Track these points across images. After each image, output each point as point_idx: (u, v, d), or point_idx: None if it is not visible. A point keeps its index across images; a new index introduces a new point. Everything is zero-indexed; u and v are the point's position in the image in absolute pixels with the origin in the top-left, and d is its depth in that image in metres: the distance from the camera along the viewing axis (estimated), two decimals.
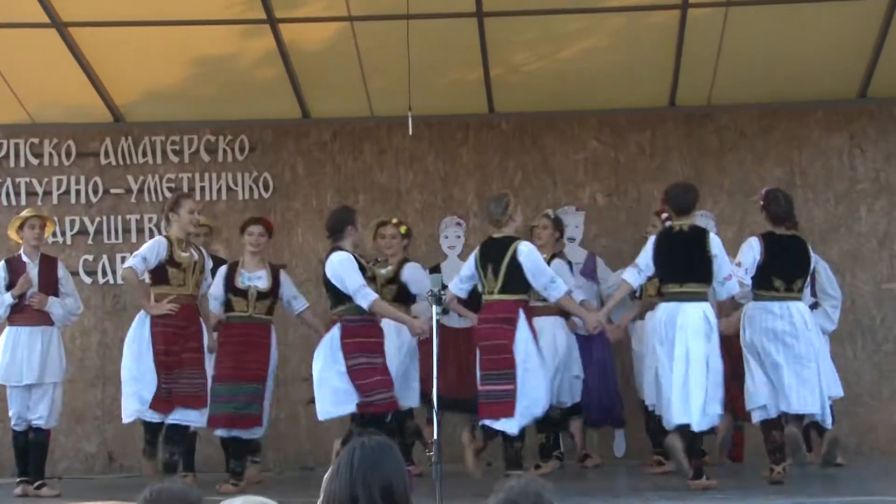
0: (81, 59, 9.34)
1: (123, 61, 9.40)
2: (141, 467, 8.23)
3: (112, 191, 10.14)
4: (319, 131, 10.24)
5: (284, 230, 10.03)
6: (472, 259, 8.00)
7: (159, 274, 7.89)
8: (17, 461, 8.41)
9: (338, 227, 7.92)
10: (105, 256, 10.05)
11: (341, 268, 7.73)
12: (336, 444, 8.15)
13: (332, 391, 7.70)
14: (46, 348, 8.36)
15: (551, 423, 8.70)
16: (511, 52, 9.53)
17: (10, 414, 8.37)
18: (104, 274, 10.03)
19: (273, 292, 8.41)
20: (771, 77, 9.69)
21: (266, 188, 10.16)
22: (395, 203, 10.09)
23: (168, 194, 9.88)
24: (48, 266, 8.52)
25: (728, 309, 8.26)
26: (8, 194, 10.11)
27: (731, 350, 7.90)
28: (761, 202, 8.02)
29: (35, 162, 10.17)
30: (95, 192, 10.13)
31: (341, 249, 7.83)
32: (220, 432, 8.33)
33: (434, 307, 6.47)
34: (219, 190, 10.15)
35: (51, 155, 10.16)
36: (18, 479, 8.34)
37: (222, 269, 8.41)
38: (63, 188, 10.13)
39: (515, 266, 7.77)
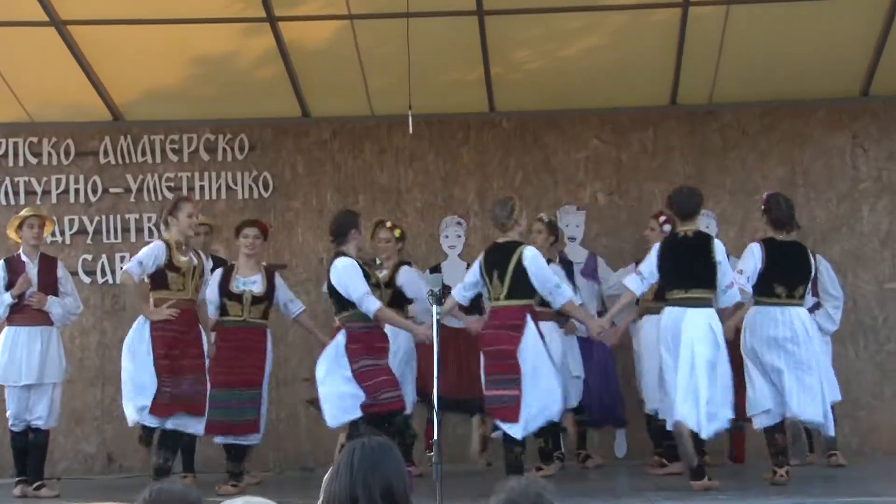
0: (80, 58, 9.31)
1: (123, 60, 9.37)
2: (140, 467, 8.20)
3: (111, 190, 10.11)
4: (319, 130, 10.21)
5: (284, 230, 10.01)
6: (476, 266, 7.92)
7: (158, 279, 7.84)
8: (16, 462, 8.38)
9: (341, 230, 7.85)
10: (104, 256, 10.01)
11: (346, 275, 7.67)
12: (341, 437, 8.13)
13: (339, 396, 7.64)
14: (46, 348, 8.34)
15: (549, 425, 8.65)
16: (512, 50, 9.50)
17: (8, 414, 8.34)
18: (103, 273, 10.00)
19: (268, 296, 8.39)
20: (773, 75, 9.66)
21: (266, 187, 10.12)
22: (396, 202, 10.06)
23: (167, 193, 9.87)
24: (47, 266, 8.50)
25: (729, 314, 8.23)
26: (7, 193, 10.07)
27: (731, 351, 7.87)
28: (762, 207, 8.01)
29: (34, 161, 10.14)
30: (94, 191, 10.10)
31: (345, 255, 7.77)
32: (218, 439, 8.33)
33: (434, 307, 6.43)
34: (218, 189, 10.12)
35: (50, 154, 10.13)
36: (17, 480, 8.31)
37: (217, 274, 8.38)
38: (62, 187, 10.09)
39: (521, 271, 7.71)
